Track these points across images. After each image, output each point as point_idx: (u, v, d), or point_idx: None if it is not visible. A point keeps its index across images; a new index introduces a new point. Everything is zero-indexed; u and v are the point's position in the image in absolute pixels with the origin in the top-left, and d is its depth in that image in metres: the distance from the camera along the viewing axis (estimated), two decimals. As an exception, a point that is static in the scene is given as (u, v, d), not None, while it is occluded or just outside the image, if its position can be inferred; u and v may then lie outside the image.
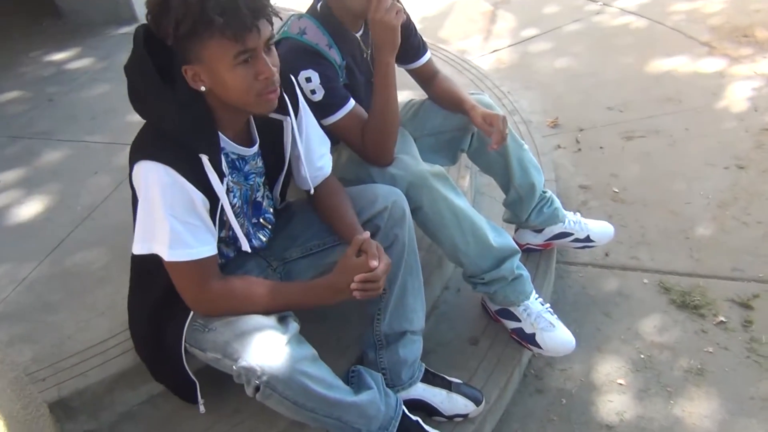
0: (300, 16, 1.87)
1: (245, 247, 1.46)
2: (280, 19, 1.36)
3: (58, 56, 3.82)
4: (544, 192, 2.24)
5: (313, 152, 1.66)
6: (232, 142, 1.43)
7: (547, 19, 4.37)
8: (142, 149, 1.31)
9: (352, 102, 1.82)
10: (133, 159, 1.31)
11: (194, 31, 1.22)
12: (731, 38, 3.83)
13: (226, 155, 1.44)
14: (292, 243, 1.70)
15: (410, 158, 1.89)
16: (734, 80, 3.44)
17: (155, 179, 1.27)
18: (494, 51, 4.06)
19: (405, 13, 1.82)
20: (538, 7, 4.58)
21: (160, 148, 1.28)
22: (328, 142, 1.72)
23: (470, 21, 4.47)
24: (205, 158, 1.30)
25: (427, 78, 2.13)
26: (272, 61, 1.31)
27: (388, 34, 1.74)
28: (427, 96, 2.17)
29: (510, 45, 4.11)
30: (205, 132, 1.34)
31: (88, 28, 4.07)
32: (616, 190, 2.82)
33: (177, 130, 1.29)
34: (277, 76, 1.33)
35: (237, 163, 1.48)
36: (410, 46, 2.05)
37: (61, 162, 2.75)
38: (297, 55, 1.77)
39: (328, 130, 1.78)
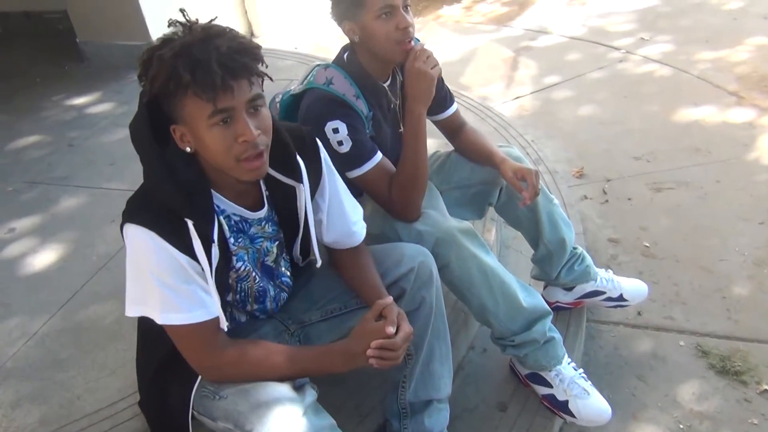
0: (326, 65, 1.83)
1: (222, 325, 1.33)
2: (270, 79, 1.28)
3: (80, 100, 3.84)
4: (575, 248, 2.15)
5: (347, 218, 1.58)
6: (233, 204, 1.36)
7: (570, 66, 4.33)
8: (132, 211, 1.25)
9: (379, 154, 1.77)
10: (123, 219, 1.25)
11: (167, 89, 1.17)
12: (760, 88, 3.76)
13: (228, 217, 1.37)
14: (312, 305, 1.62)
15: (437, 213, 1.82)
16: (765, 131, 3.36)
17: (141, 244, 1.21)
18: (516, 98, 4.02)
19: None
20: (560, 54, 4.55)
21: (148, 211, 1.23)
22: (360, 210, 1.64)
23: (492, 67, 4.45)
24: (190, 223, 1.22)
25: (454, 129, 2.07)
26: (257, 124, 1.22)
27: (424, 85, 1.71)
28: (453, 148, 2.11)
29: (532, 92, 4.07)
30: (196, 195, 1.26)
31: (111, 72, 4.10)
32: (647, 245, 2.72)
33: (163, 194, 1.23)
34: (261, 140, 1.23)
35: (241, 225, 1.40)
36: (438, 96, 2.00)
37: (78, 209, 2.71)
38: (324, 105, 1.73)
39: (353, 183, 1.72)
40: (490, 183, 2.03)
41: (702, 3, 5.03)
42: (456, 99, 2.09)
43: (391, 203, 1.78)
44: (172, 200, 1.22)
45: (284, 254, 1.55)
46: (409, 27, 1.68)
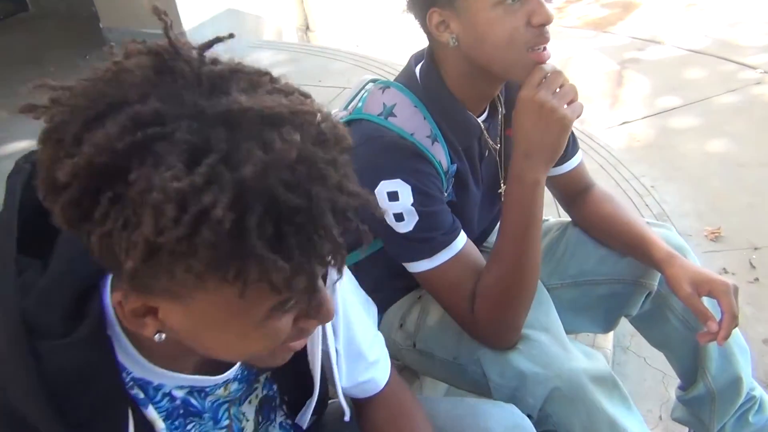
0: (386, 84, 1.13)
1: None
2: None
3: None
4: (752, 389, 1.37)
5: (361, 358, 0.91)
6: (178, 374, 0.70)
7: (691, 87, 3.48)
8: None
9: (462, 238, 1.07)
10: None
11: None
12: None
13: (168, 395, 0.71)
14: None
15: (551, 339, 1.10)
16: None
17: None
18: (624, 123, 3.21)
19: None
20: (677, 70, 3.70)
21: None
22: (380, 340, 0.97)
23: (592, 82, 3.63)
24: None
25: (575, 192, 1.33)
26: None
27: (551, 133, 1.00)
28: (570, 219, 1.36)
29: (645, 117, 3.25)
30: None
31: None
32: (825, 354, 1.91)
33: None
34: None
35: (192, 399, 0.73)
36: None
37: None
38: (378, 151, 1.05)
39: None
40: (633, 283, 1.27)
41: None
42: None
43: (473, 316, 1.09)
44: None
45: (274, 420, 0.86)
46: (550, 21, 0.99)
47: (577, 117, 1.02)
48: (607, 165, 2.63)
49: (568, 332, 1.21)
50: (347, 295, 0.87)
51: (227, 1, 3.78)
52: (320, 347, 0.81)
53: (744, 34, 4.01)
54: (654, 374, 1.80)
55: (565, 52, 4.02)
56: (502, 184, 1.22)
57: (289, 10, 4.35)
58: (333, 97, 2.96)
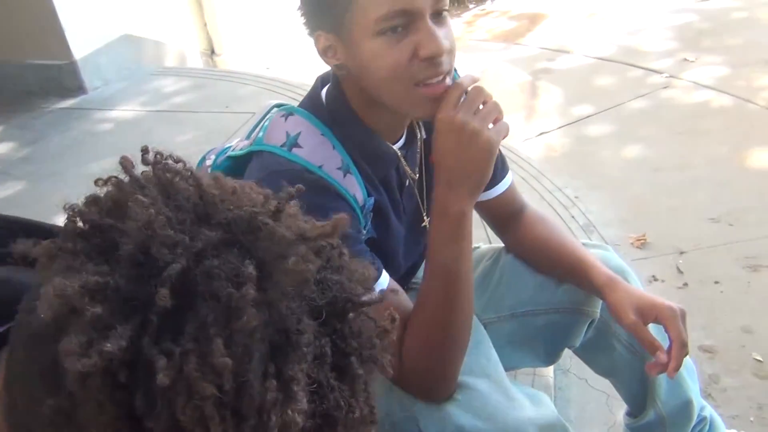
0: (289, 110, 0.99)
1: None
2: None
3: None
4: (702, 410, 1.30)
5: None
6: None
7: (603, 94, 3.52)
8: None
9: (384, 280, 0.95)
10: None
11: None
12: None
13: None
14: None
15: (492, 387, 1.00)
16: None
17: None
18: (541, 134, 3.19)
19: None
20: (587, 78, 3.74)
21: None
22: None
23: (507, 94, 3.61)
24: None
25: (506, 216, 1.22)
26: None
27: (474, 160, 0.88)
28: (504, 245, 1.26)
29: (560, 126, 3.24)
30: None
31: (20, 99, 3.20)
32: (758, 358, 1.88)
33: None
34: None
35: None
36: None
37: None
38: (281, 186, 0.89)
39: None
40: (574, 311, 1.17)
41: (748, 19, 4.25)
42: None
43: (402, 367, 0.95)
44: None
45: None
46: (442, 53, 0.86)
47: (504, 138, 0.91)
48: (530, 178, 2.58)
49: (508, 368, 1.10)
50: None
51: (123, 27, 3.54)
52: None
53: (646, 40, 4.12)
54: (598, 396, 1.73)
55: (479, 64, 4.00)
56: (425, 217, 1.10)
57: (192, 35, 4.14)
58: (242, 123, 2.79)
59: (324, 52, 0.91)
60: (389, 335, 0.47)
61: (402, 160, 1.02)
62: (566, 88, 3.65)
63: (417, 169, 1.07)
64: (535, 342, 1.21)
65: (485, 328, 1.17)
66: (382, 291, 0.89)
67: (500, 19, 5.09)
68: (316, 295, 0.43)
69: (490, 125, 0.89)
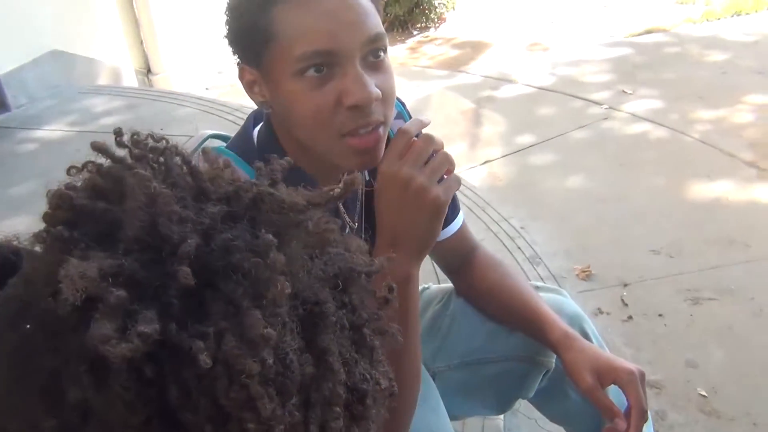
0: (218, 152, 0.90)
1: None
2: None
3: None
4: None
5: None
6: None
7: (544, 124, 3.54)
8: None
9: None
10: None
11: None
12: (781, 158, 3.08)
13: None
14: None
15: None
16: (807, 216, 2.64)
17: None
18: (485, 162, 3.18)
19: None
20: (530, 107, 3.77)
21: None
22: None
23: (451, 122, 3.60)
24: None
25: (458, 258, 1.15)
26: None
27: (419, 219, 0.78)
28: (453, 287, 1.19)
29: (504, 155, 3.24)
30: None
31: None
32: (703, 393, 1.88)
33: None
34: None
35: None
36: None
37: None
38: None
39: None
40: (528, 360, 1.11)
41: (681, 54, 4.40)
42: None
43: None
44: None
45: None
46: (370, 102, 0.75)
47: (453, 193, 0.83)
48: (476, 207, 2.54)
49: (458, 417, 1.03)
50: None
51: (52, 42, 3.35)
52: None
53: (586, 72, 4.20)
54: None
55: (423, 90, 3.98)
56: None
57: (126, 52, 3.97)
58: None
59: (249, 87, 0.83)
60: (391, 305, 0.47)
61: (341, 206, 0.94)
62: (509, 116, 3.66)
63: (357, 217, 0.99)
64: (487, 391, 1.14)
65: (434, 377, 1.10)
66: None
67: (444, 46, 5.12)
68: (328, 266, 0.42)
69: (438, 180, 0.79)
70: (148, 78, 4.13)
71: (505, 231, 2.42)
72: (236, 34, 0.80)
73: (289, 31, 0.74)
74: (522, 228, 2.47)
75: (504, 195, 2.87)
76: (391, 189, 0.78)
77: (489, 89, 4.06)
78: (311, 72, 0.74)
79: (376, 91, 0.75)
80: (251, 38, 0.77)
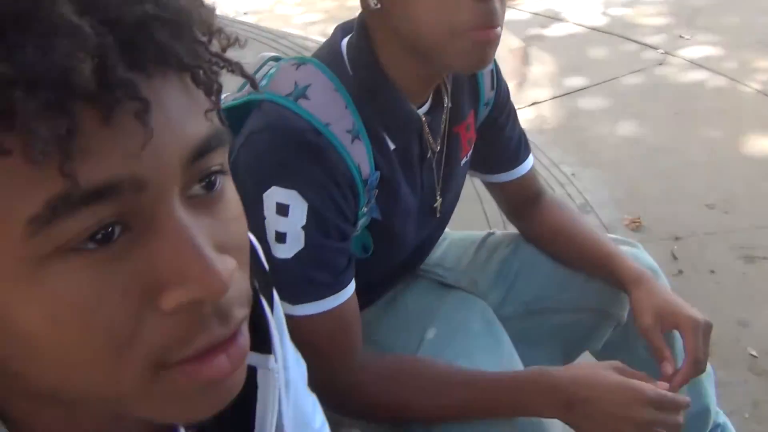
0: (301, 60, 0.84)
1: None
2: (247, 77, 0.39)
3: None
4: (717, 417, 1.23)
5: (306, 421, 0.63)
6: None
7: (597, 66, 3.39)
8: None
9: (348, 290, 0.83)
10: None
11: None
12: None
13: None
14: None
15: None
16: None
17: None
18: (534, 103, 3.07)
19: None
20: (581, 48, 3.61)
21: None
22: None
23: (498, 60, 3.45)
24: None
25: (525, 201, 1.10)
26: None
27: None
28: (518, 232, 1.14)
29: (553, 97, 3.12)
30: None
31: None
32: (754, 354, 1.84)
33: None
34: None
35: None
36: (503, 143, 1.05)
37: None
38: (280, 145, 0.79)
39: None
40: (599, 313, 1.07)
41: (745, -2, 4.16)
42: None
43: (358, 379, 0.85)
44: None
45: None
46: None
47: None
48: (524, 151, 2.46)
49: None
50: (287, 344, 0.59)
51: None
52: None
53: (642, 13, 4.00)
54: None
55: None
56: (438, 197, 0.97)
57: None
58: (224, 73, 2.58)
59: None
60: None
61: (426, 126, 0.89)
62: (559, 57, 3.52)
63: (439, 141, 0.94)
64: (553, 341, 1.10)
65: (503, 324, 1.06)
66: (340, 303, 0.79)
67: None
68: None
69: None
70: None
71: (555, 177, 2.35)
72: None
73: None
74: (573, 175, 2.39)
75: (553, 139, 2.78)
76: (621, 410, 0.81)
77: (538, 27, 3.89)
78: None
79: None
80: None
